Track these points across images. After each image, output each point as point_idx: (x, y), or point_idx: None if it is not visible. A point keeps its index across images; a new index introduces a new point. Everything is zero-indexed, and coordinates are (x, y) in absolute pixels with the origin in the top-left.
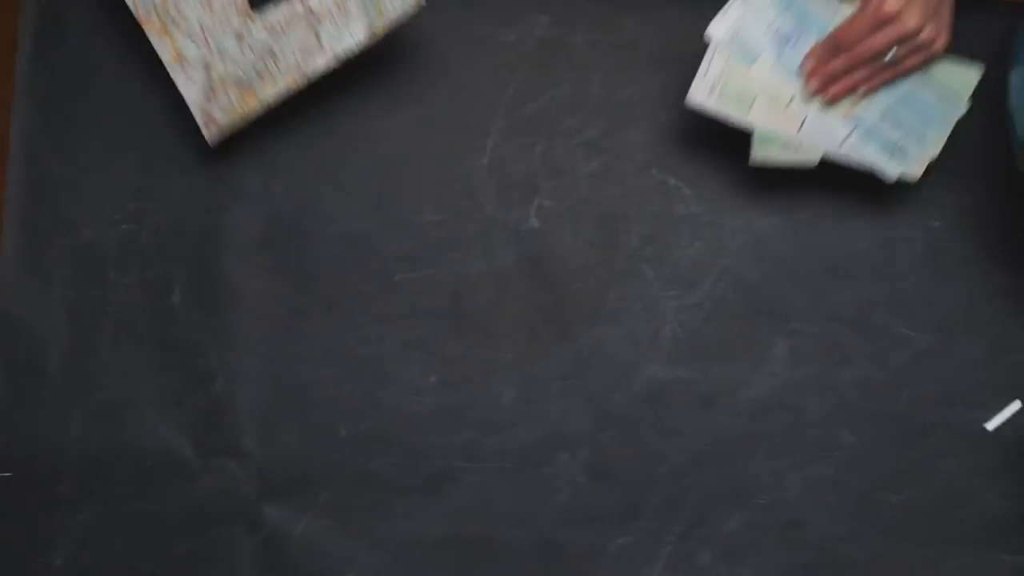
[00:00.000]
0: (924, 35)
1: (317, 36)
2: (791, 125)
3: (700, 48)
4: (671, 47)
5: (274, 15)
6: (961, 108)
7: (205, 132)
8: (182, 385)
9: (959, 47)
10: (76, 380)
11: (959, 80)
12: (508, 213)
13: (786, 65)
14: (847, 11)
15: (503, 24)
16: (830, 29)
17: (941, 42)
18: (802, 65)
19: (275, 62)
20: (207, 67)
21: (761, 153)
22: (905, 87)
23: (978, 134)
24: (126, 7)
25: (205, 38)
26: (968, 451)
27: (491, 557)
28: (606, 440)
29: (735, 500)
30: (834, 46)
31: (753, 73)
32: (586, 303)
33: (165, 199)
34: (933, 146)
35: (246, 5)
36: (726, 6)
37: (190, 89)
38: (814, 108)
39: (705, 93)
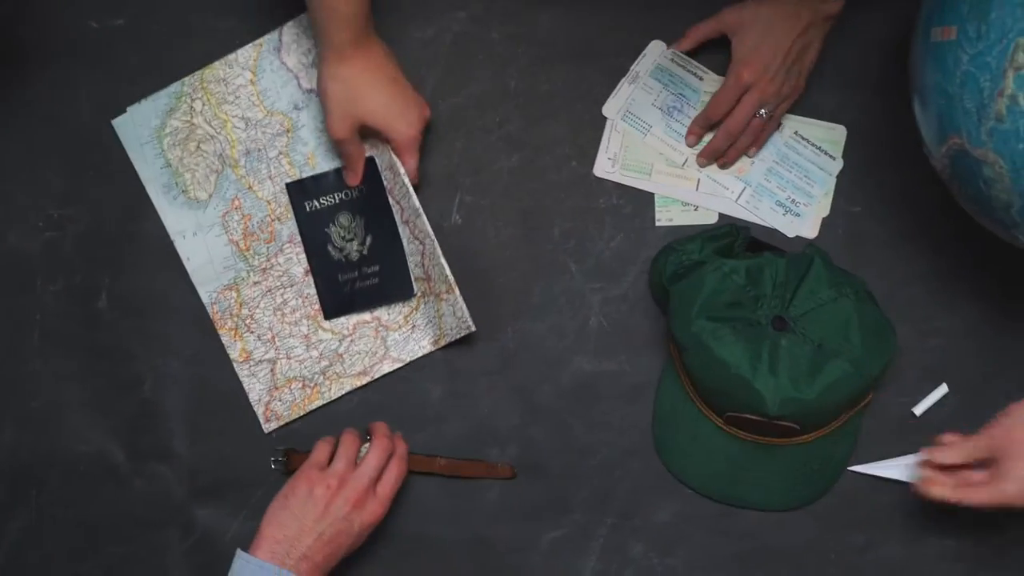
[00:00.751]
0: (784, 90)
1: (384, 343)
2: (689, 185)
3: (616, 41)
4: (588, 41)
5: (344, 323)
6: (838, 163)
7: (264, 425)
8: (111, 390)
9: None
10: (6, 388)
11: (828, 138)
12: (431, 209)
13: (675, 133)
14: (716, 86)
15: (420, 21)
16: (703, 100)
17: (800, 88)
18: (686, 141)
19: (341, 365)
20: (273, 367)
21: (664, 216)
22: (783, 148)
23: (892, 122)
24: (54, 15)
25: (274, 340)
26: (897, 436)
27: (423, 555)
28: (535, 434)
29: (666, 491)
30: (707, 121)
31: (648, 142)
32: (511, 298)
33: (89, 206)
34: (822, 201)
35: (318, 312)
36: (616, 88)
37: (254, 385)
38: (707, 168)
39: (609, 166)
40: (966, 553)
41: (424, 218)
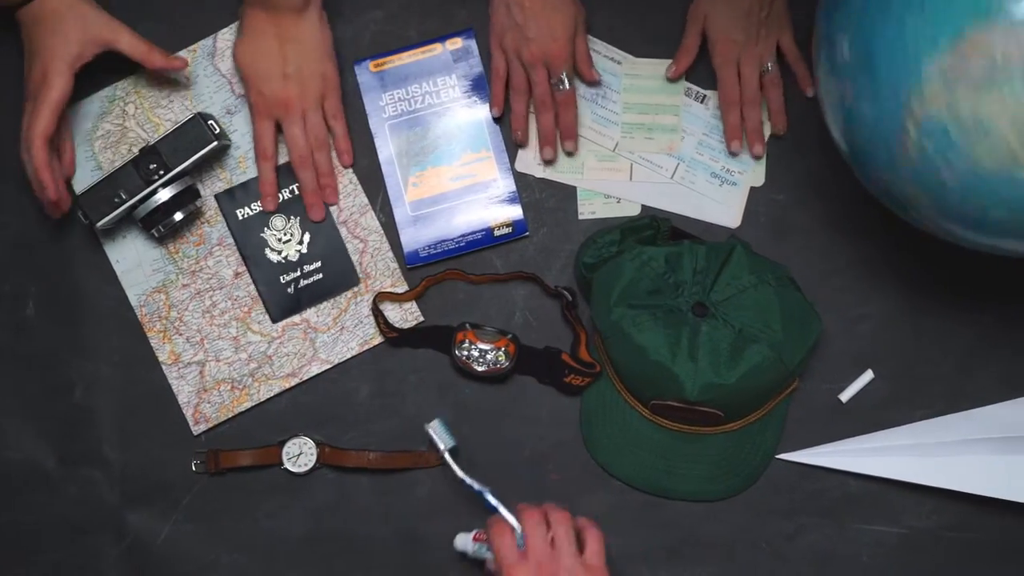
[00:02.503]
0: (771, 42)
1: (313, 345)
2: (622, 175)
3: None
4: None
5: (273, 325)
6: (766, 128)
7: (193, 427)
8: (41, 397)
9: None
10: None
11: None
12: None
13: (601, 119)
14: (638, 68)
15: (339, 20)
16: (625, 84)
17: (786, 28)
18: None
19: (270, 366)
20: (202, 369)
21: (587, 209)
22: (711, 120)
23: (814, 109)
24: None
25: (203, 342)
26: (824, 423)
27: (355, 553)
28: (464, 430)
29: (595, 483)
30: (731, 109)
31: (580, 131)
32: (433, 294)
33: (14, 213)
34: (756, 169)
35: (247, 315)
36: None
37: (183, 388)
38: (638, 150)
39: (534, 165)
40: (894, 539)
41: (372, 214)
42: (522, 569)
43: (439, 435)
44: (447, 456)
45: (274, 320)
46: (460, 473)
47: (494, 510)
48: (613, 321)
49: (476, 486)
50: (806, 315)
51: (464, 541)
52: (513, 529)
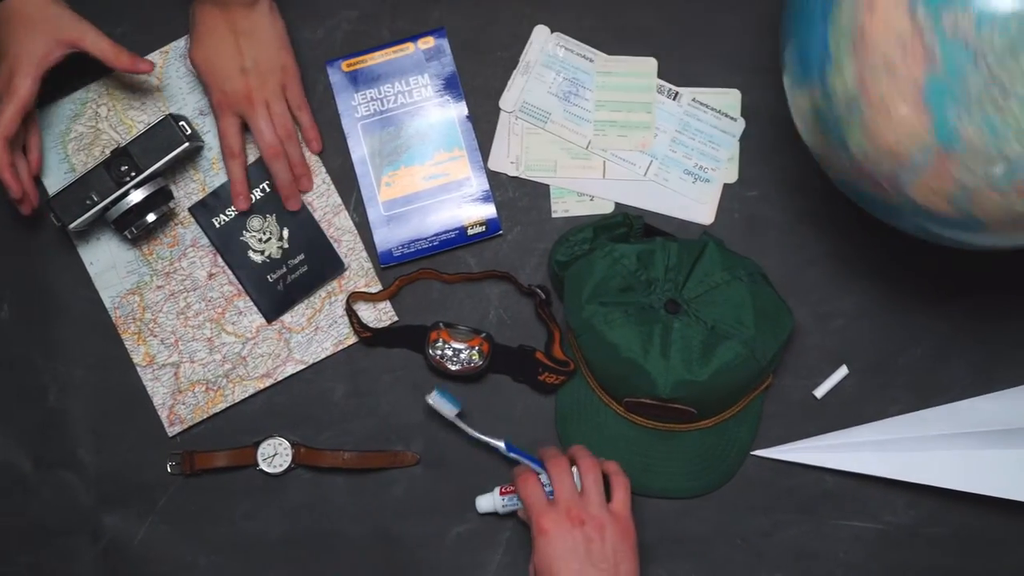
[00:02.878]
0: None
1: (288, 345)
2: (595, 172)
3: (505, 33)
4: (479, 34)
5: (248, 326)
6: (739, 124)
7: (168, 429)
8: (16, 400)
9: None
10: None
11: (725, 102)
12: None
13: (574, 117)
14: (610, 66)
15: (311, 21)
16: (598, 81)
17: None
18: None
19: (245, 367)
20: (176, 370)
21: (560, 207)
22: (683, 117)
23: (786, 106)
24: None
25: (177, 344)
26: (799, 419)
27: (331, 553)
28: (438, 429)
29: None
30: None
31: (549, 129)
32: (407, 293)
33: None
34: (728, 166)
35: (221, 315)
36: (510, 80)
37: (157, 389)
38: (611, 147)
39: (508, 164)
40: (871, 535)
41: (346, 214)
42: (551, 515)
43: (441, 404)
44: (457, 420)
45: (269, 321)
46: (474, 433)
47: (517, 460)
48: (585, 319)
49: (493, 441)
50: (778, 311)
51: (490, 501)
52: (539, 476)
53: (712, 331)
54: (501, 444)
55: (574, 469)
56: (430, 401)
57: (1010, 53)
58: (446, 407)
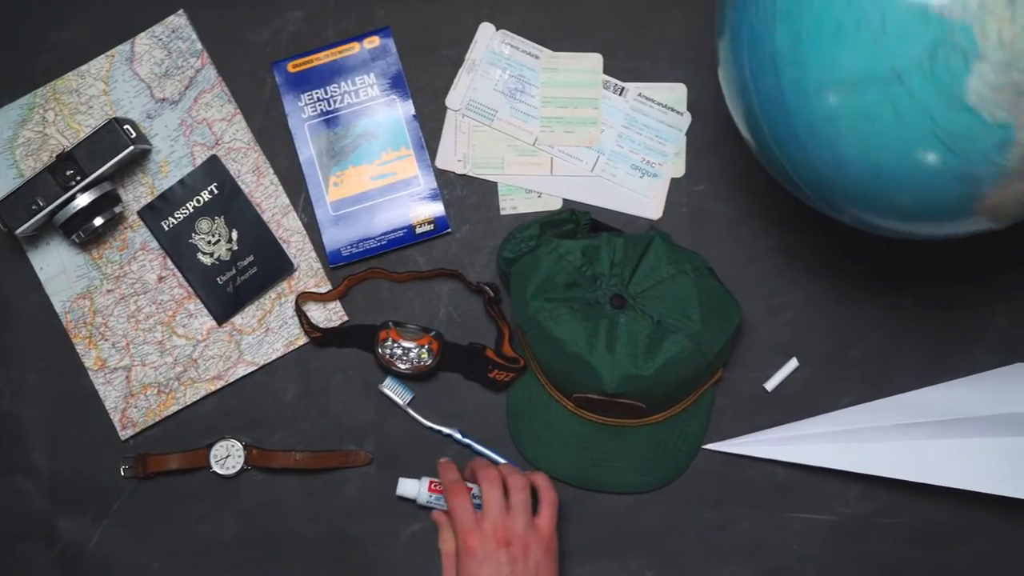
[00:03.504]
0: None
1: (239, 347)
2: (543, 168)
3: (452, 31)
4: (425, 33)
5: (199, 328)
6: (685, 118)
7: (121, 432)
8: None
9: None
10: None
11: (671, 97)
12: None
13: (520, 114)
14: (556, 62)
15: (256, 22)
16: (543, 78)
17: None
18: None
19: (196, 370)
20: (128, 374)
21: (508, 204)
22: (630, 112)
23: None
24: None
25: (128, 347)
26: (750, 412)
27: (285, 553)
28: (390, 428)
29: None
30: None
31: (496, 126)
32: (357, 292)
33: None
34: (675, 161)
35: (172, 318)
36: (456, 79)
37: (109, 393)
38: (558, 144)
39: (455, 162)
40: (824, 527)
41: (295, 215)
42: (478, 534)
43: (395, 392)
44: (409, 409)
45: (220, 323)
46: (426, 422)
47: (467, 447)
48: (530, 315)
49: (444, 429)
50: (725, 304)
51: (414, 488)
52: (470, 490)
53: (658, 325)
54: (456, 432)
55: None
56: (384, 389)
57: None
58: (400, 393)
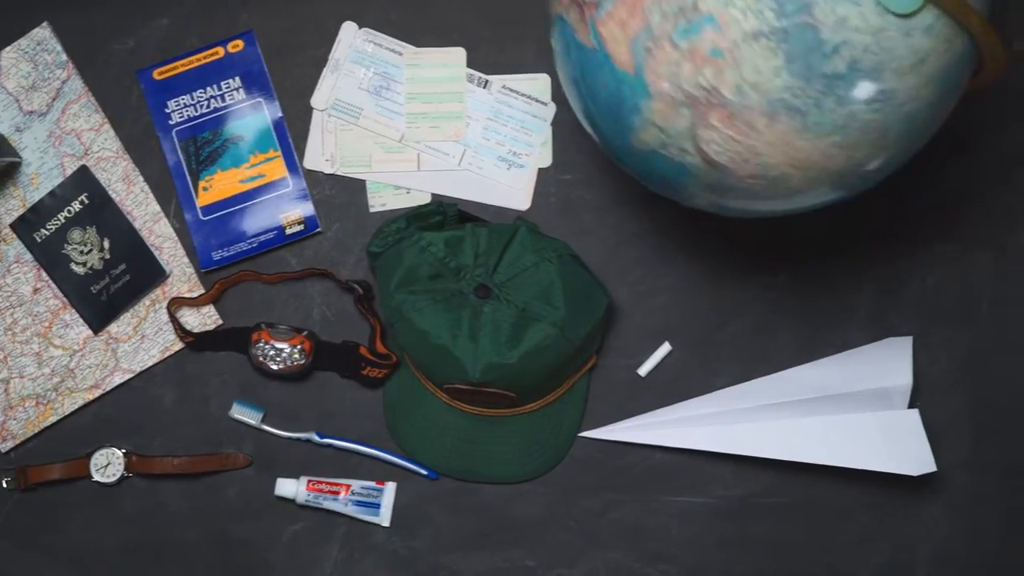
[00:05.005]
0: None
1: (115, 355)
2: (411, 164)
3: (315, 31)
4: (288, 35)
5: (75, 338)
6: (550, 108)
7: (0, 445)
8: None
9: None
10: None
11: (535, 88)
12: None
13: (386, 111)
14: (419, 58)
15: (121, 31)
16: (407, 74)
17: None
18: None
19: (73, 380)
20: (6, 386)
21: (377, 201)
22: (494, 104)
23: None
24: None
25: (6, 360)
26: (625, 398)
27: (169, 559)
28: (270, 426)
29: (403, 473)
30: None
31: (362, 124)
32: (229, 294)
33: None
34: (541, 151)
35: (48, 330)
36: (320, 79)
37: None
38: (424, 139)
39: (323, 162)
40: (702, 509)
41: (166, 221)
42: None
43: (246, 414)
44: (263, 426)
45: (95, 331)
46: (281, 433)
47: (329, 447)
48: (394, 307)
49: (303, 435)
50: (591, 291)
51: (292, 488)
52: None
53: (522, 313)
54: (315, 434)
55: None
56: (234, 415)
57: None
58: (250, 414)
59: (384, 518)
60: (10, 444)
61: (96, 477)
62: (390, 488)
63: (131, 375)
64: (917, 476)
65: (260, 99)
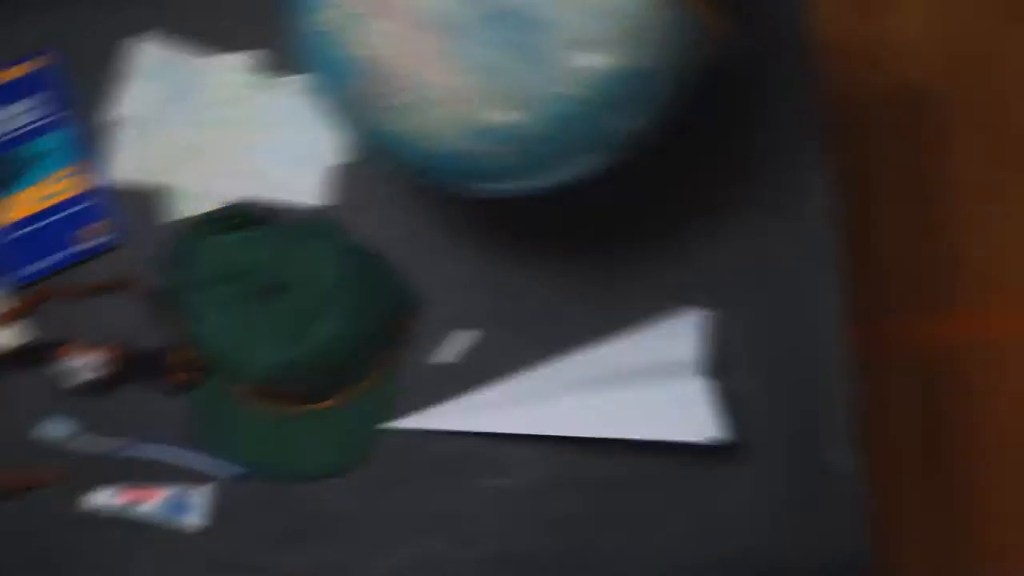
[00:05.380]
0: None
1: None
2: (208, 170)
3: (112, 44)
4: (85, 49)
5: None
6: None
7: None
8: None
9: None
10: None
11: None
12: None
13: (188, 120)
14: (206, 66)
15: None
16: (208, 82)
17: None
18: None
19: None
20: None
21: (180, 209)
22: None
23: None
24: None
25: None
26: (433, 387)
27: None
28: (80, 441)
29: (213, 475)
30: None
31: (160, 135)
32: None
33: None
34: (334, 145)
35: None
36: (118, 93)
37: None
38: (221, 144)
39: (124, 173)
40: (511, 491)
41: None
42: None
43: (53, 432)
44: (74, 443)
45: None
46: (99, 448)
47: (151, 459)
48: (191, 311)
49: (111, 447)
50: (381, 284)
51: (106, 497)
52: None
53: (312, 311)
54: (121, 446)
55: None
56: (43, 435)
57: None
58: (59, 432)
59: (198, 521)
60: None
61: None
62: (203, 491)
63: None
64: (720, 447)
65: (59, 116)
